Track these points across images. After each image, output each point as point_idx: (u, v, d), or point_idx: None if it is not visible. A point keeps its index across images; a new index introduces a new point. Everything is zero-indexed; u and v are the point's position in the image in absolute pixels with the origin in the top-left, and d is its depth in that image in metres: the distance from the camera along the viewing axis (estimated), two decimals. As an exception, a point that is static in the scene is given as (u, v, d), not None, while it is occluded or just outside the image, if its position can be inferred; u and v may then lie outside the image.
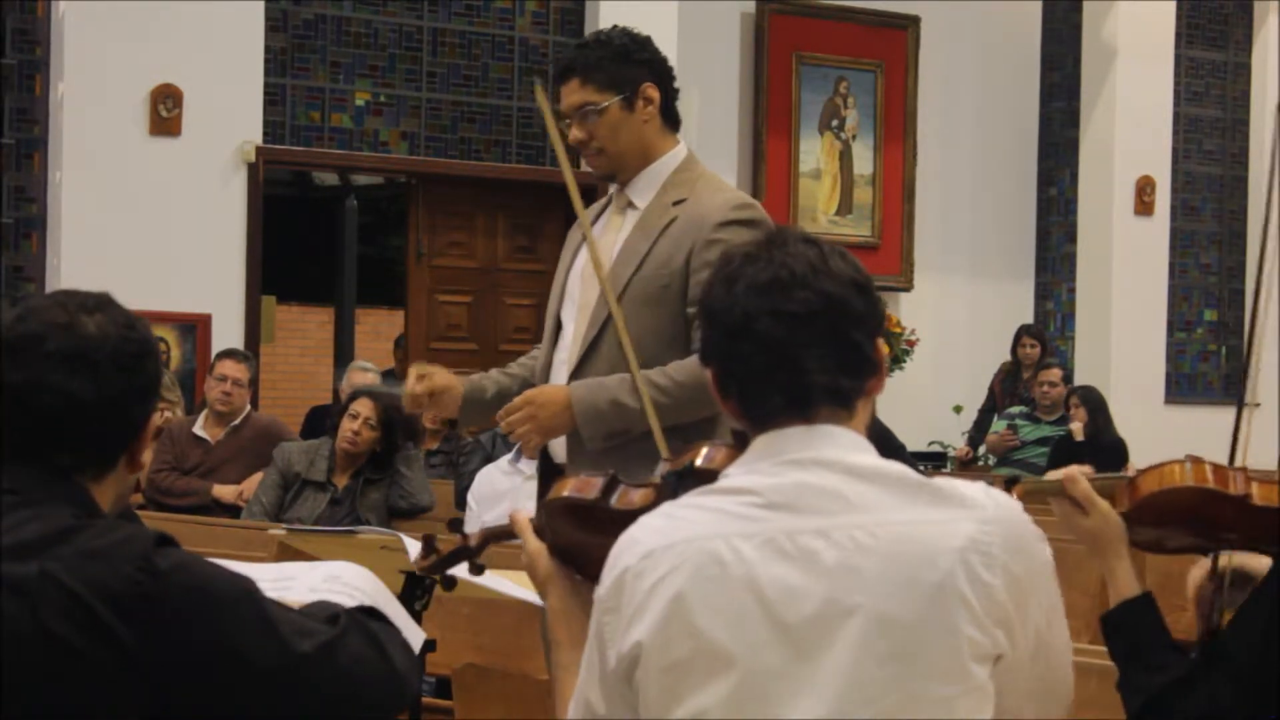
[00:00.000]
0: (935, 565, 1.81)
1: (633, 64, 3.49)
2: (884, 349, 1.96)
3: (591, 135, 3.48)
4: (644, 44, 3.53)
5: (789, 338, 1.88)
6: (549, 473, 3.56)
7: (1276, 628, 2.24)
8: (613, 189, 3.60)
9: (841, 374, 1.90)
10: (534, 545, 2.22)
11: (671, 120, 3.56)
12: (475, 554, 2.35)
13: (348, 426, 6.35)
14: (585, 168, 3.71)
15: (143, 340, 2.05)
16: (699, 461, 2.12)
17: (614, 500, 2.16)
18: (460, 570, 2.43)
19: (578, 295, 3.54)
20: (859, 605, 1.80)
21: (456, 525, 2.39)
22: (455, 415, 3.62)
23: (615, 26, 3.59)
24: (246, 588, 1.97)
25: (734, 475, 1.92)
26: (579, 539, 2.17)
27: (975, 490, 1.88)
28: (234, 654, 1.91)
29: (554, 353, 3.56)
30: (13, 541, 1.88)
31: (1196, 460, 2.48)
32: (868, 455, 1.89)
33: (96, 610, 1.84)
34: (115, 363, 2.00)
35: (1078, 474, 2.51)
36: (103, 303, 2.04)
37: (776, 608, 1.81)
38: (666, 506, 1.93)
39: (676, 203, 3.48)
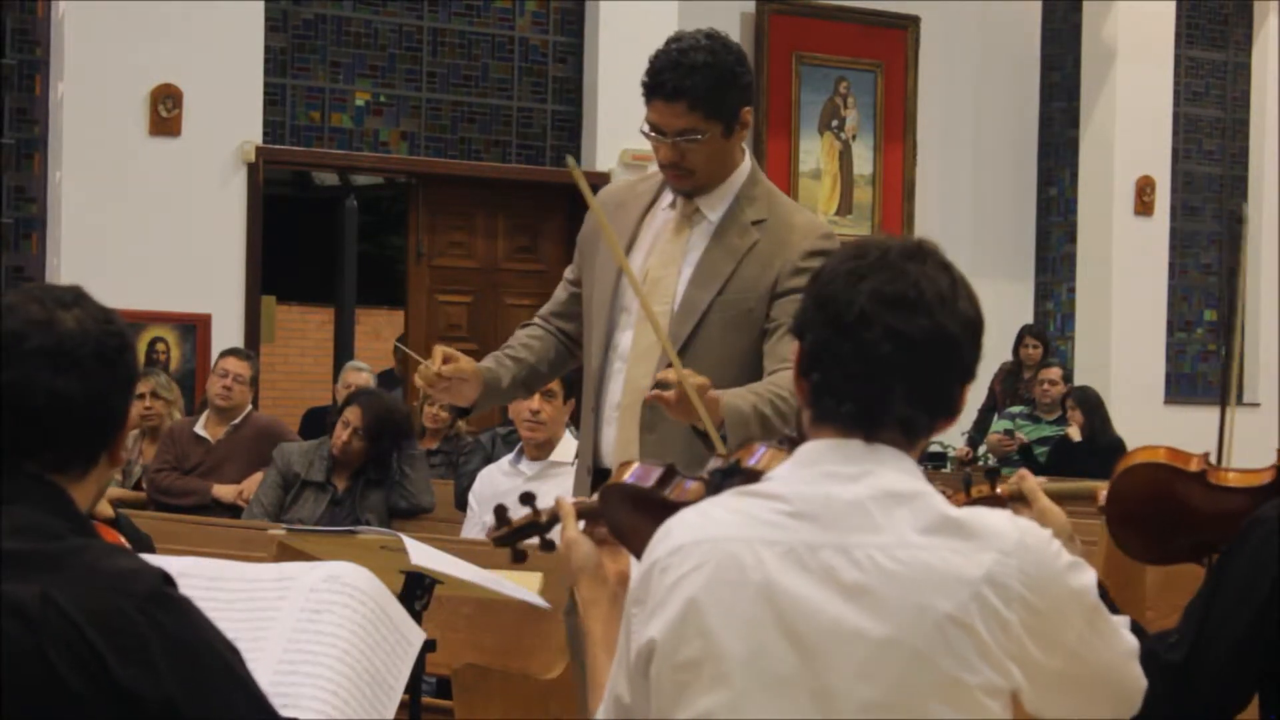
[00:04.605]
0: (950, 596, 1.79)
1: (736, 89, 3.35)
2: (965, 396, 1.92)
3: (684, 157, 3.34)
4: (742, 61, 3.39)
5: (890, 358, 1.84)
6: (601, 479, 3.47)
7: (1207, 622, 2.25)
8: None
9: (920, 410, 1.88)
10: (571, 534, 2.24)
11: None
12: (546, 529, 2.37)
13: (339, 434, 6.36)
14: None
15: (121, 333, 2.00)
16: (746, 461, 2.12)
17: (669, 491, 2.20)
18: (531, 543, 2.44)
19: (634, 305, 3.37)
20: (870, 627, 1.79)
21: (528, 499, 2.39)
22: (467, 403, 3.47)
23: (711, 36, 3.41)
24: (238, 652, 1.95)
25: (775, 479, 1.91)
26: (634, 522, 2.21)
27: (1001, 520, 1.85)
28: (218, 710, 1.88)
29: (607, 364, 3.42)
30: (8, 551, 1.85)
31: (1158, 446, 2.49)
32: (910, 479, 1.87)
33: (94, 643, 1.81)
34: (99, 358, 1.95)
35: (1027, 473, 2.49)
36: (78, 297, 1.99)
37: (789, 618, 1.81)
38: (703, 503, 1.93)
39: (756, 222, 3.38)
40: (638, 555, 2.14)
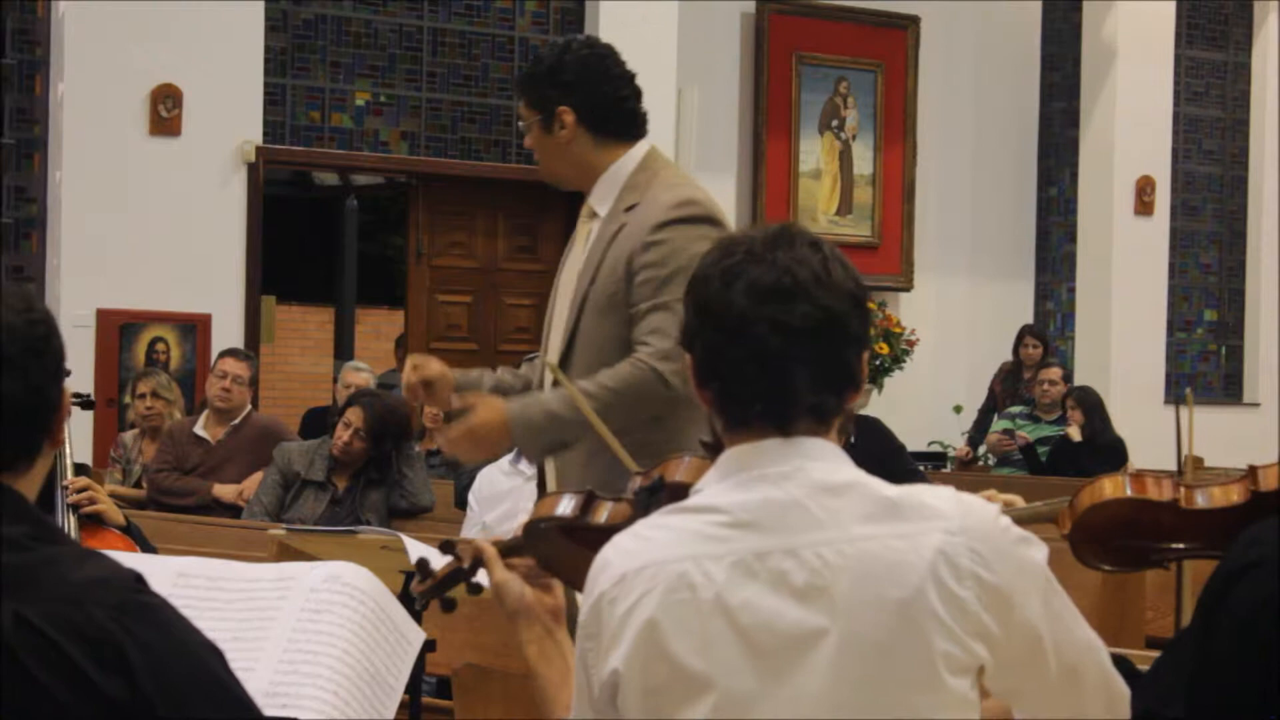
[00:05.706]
0: (903, 582, 1.77)
1: (551, 85, 3.46)
2: (867, 362, 1.92)
3: (532, 145, 3.56)
4: (574, 63, 3.47)
5: (783, 350, 1.83)
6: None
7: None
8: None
9: (827, 392, 1.87)
10: (498, 577, 2.21)
11: (617, 130, 3.49)
12: (470, 574, 2.34)
13: (340, 435, 6.36)
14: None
15: (44, 319, 1.91)
16: (670, 476, 2.10)
17: (591, 517, 2.17)
18: (458, 591, 2.42)
19: (557, 311, 3.55)
20: (830, 626, 1.78)
21: (449, 547, 2.38)
22: (449, 408, 3.58)
23: (575, 38, 3.59)
24: (219, 651, 1.90)
25: (705, 491, 1.89)
26: (563, 553, 2.18)
27: (944, 500, 1.84)
28: (199, 712, 1.84)
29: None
30: None
31: (1126, 473, 2.48)
32: (838, 467, 1.86)
33: (73, 656, 1.78)
34: (28, 351, 1.86)
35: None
36: None
37: (749, 632, 1.79)
38: (637, 526, 1.91)
39: (629, 208, 3.45)
40: (572, 585, 2.13)
